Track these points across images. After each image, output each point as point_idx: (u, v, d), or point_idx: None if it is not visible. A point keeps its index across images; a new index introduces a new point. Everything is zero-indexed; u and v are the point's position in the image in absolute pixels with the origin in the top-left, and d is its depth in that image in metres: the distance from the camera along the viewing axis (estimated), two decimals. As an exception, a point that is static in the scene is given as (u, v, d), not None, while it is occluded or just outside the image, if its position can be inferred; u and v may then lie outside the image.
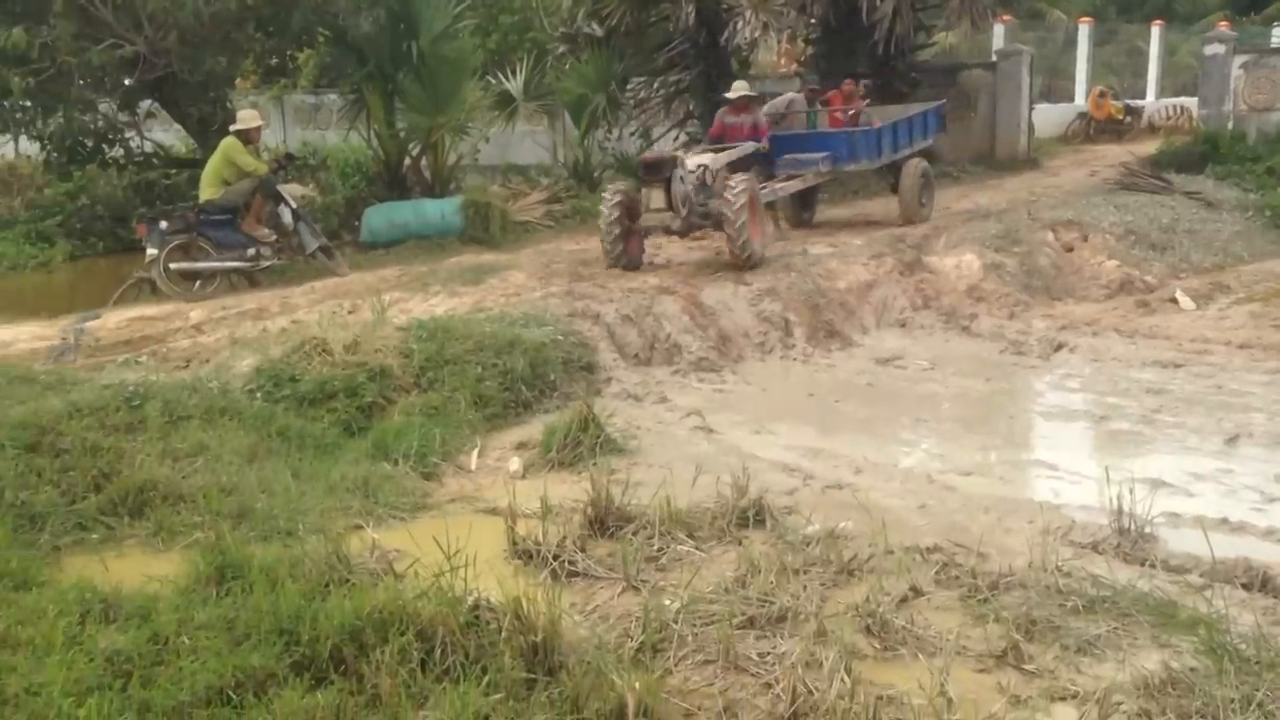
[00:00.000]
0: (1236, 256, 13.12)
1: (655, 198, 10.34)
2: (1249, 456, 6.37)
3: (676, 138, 18.14)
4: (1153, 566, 4.70)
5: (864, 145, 12.82)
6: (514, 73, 16.57)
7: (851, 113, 13.76)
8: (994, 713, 3.59)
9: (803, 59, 18.62)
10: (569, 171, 15.69)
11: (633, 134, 17.88)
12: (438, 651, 3.75)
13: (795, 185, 12.32)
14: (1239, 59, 18.23)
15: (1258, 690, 3.57)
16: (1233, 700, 3.54)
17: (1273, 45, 25.35)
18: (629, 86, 17.23)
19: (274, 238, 10.87)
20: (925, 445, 6.93)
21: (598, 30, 16.13)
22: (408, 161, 14.30)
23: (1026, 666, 3.91)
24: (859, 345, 9.57)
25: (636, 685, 3.51)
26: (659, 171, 10.38)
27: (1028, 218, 12.90)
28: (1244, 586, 4.48)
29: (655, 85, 17.66)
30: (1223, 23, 27.96)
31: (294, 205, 10.92)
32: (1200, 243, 13.18)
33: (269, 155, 11.99)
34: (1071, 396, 8.10)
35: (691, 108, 17.65)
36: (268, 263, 10.89)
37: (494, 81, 16.45)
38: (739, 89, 12.07)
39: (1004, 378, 8.50)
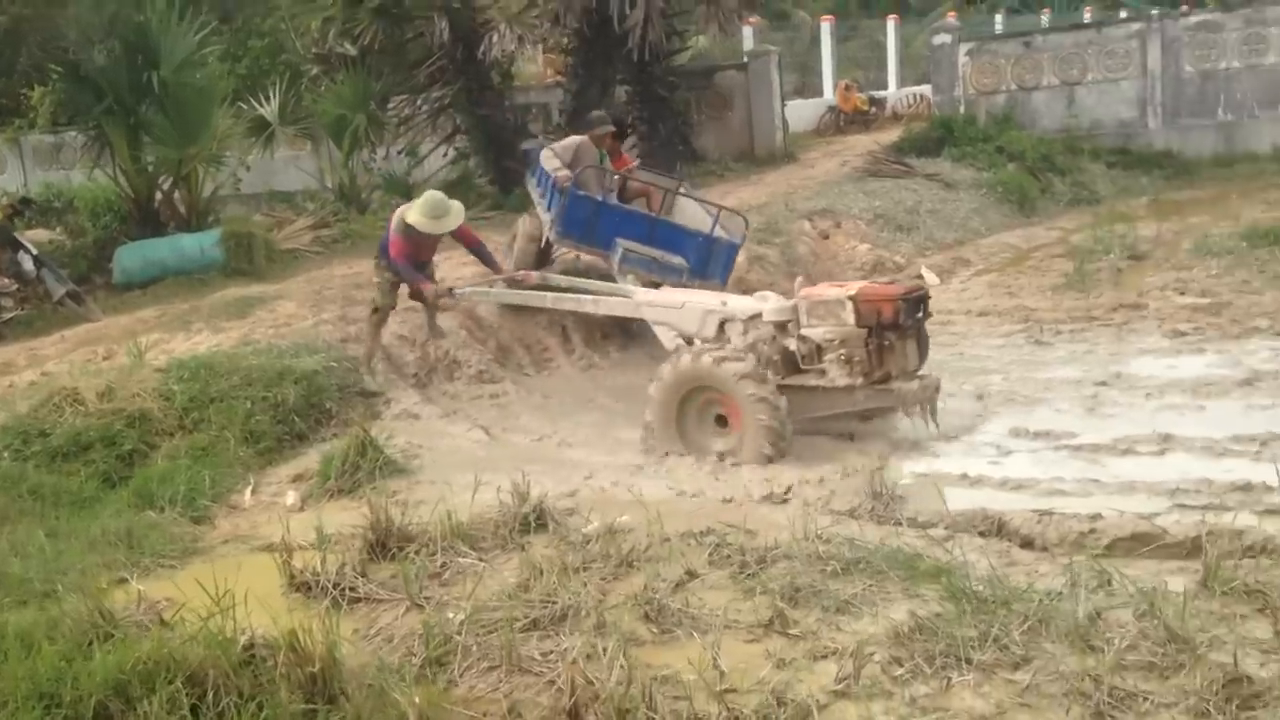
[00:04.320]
0: (975, 231, 14.21)
1: None
2: (988, 414, 6.94)
3: (446, 154, 18.11)
4: (901, 525, 5.07)
5: (722, 257, 8.88)
6: (268, 98, 16.09)
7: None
8: (762, 678, 3.80)
9: (563, 70, 18.85)
10: (336, 195, 15.35)
11: (400, 152, 17.69)
12: (210, 695, 3.66)
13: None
14: (964, 47, 19.69)
15: (993, 626, 3.92)
16: (972, 638, 3.87)
17: (996, 32, 27.53)
18: (390, 105, 17.03)
19: (15, 287, 10.21)
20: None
21: (351, 49, 15.86)
22: (160, 196, 13.65)
23: (791, 631, 4.15)
24: (639, 348, 9.80)
25: (417, 700, 3.53)
26: None
27: (786, 209, 13.53)
28: (981, 534, 4.90)
29: (419, 102, 17.54)
30: (951, 14, 30.06)
31: (34, 252, 10.28)
32: (942, 221, 14.20)
33: (5, 200, 11.25)
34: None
35: (459, 123, 17.65)
36: (10, 315, 10.21)
37: (245, 108, 15.91)
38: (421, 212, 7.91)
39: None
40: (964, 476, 5.69)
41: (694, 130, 19.91)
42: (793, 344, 6.60)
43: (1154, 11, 20.92)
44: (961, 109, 19.40)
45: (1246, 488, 5.04)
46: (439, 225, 7.76)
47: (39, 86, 16.85)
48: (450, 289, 8.34)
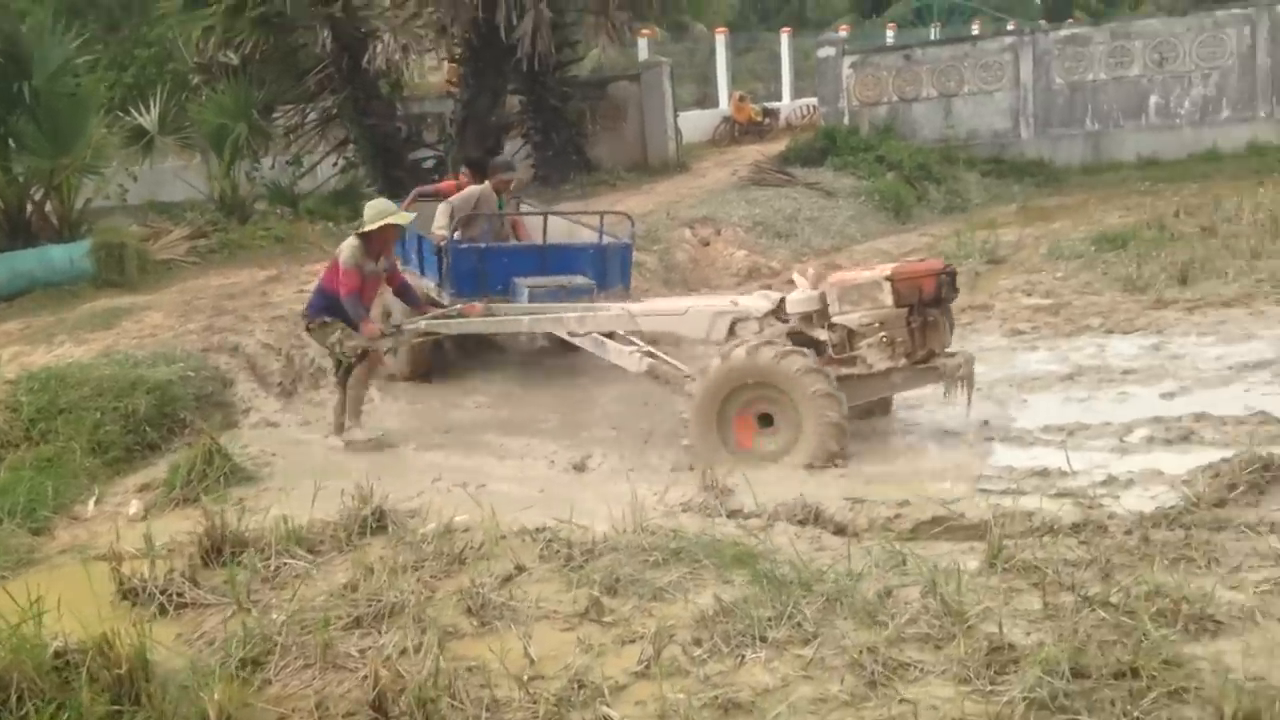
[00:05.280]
0: (851, 238, 14.61)
1: None
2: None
3: (335, 163, 18.03)
4: (728, 516, 5.27)
5: (618, 261, 8.93)
6: (149, 107, 15.85)
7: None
8: (569, 663, 3.95)
9: (454, 79, 18.91)
10: (217, 205, 15.18)
11: (288, 163, 17.56)
12: (14, 699, 3.69)
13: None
14: (848, 60, 20.24)
15: (789, 606, 4.12)
16: (769, 618, 4.07)
17: (888, 44, 28.28)
18: (277, 114, 16.90)
19: None
20: (554, 440, 7.31)
21: (233, 58, 15.72)
22: (30, 207, 13.37)
23: (605, 619, 4.31)
24: (510, 352, 9.91)
25: (217, 697, 3.61)
26: None
27: (667, 218, 13.78)
28: (800, 522, 5.12)
29: (306, 111, 17.44)
30: (844, 26, 30.84)
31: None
32: (820, 228, 14.58)
33: None
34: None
35: (349, 134, 17.59)
36: None
37: (126, 117, 15.66)
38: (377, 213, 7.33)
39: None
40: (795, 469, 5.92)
41: (588, 140, 20.11)
42: (821, 334, 6.32)
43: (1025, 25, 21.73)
44: (846, 120, 19.94)
45: (1044, 473, 5.35)
46: (401, 216, 7.44)
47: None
48: (397, 325, 7.70)
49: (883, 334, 6.08)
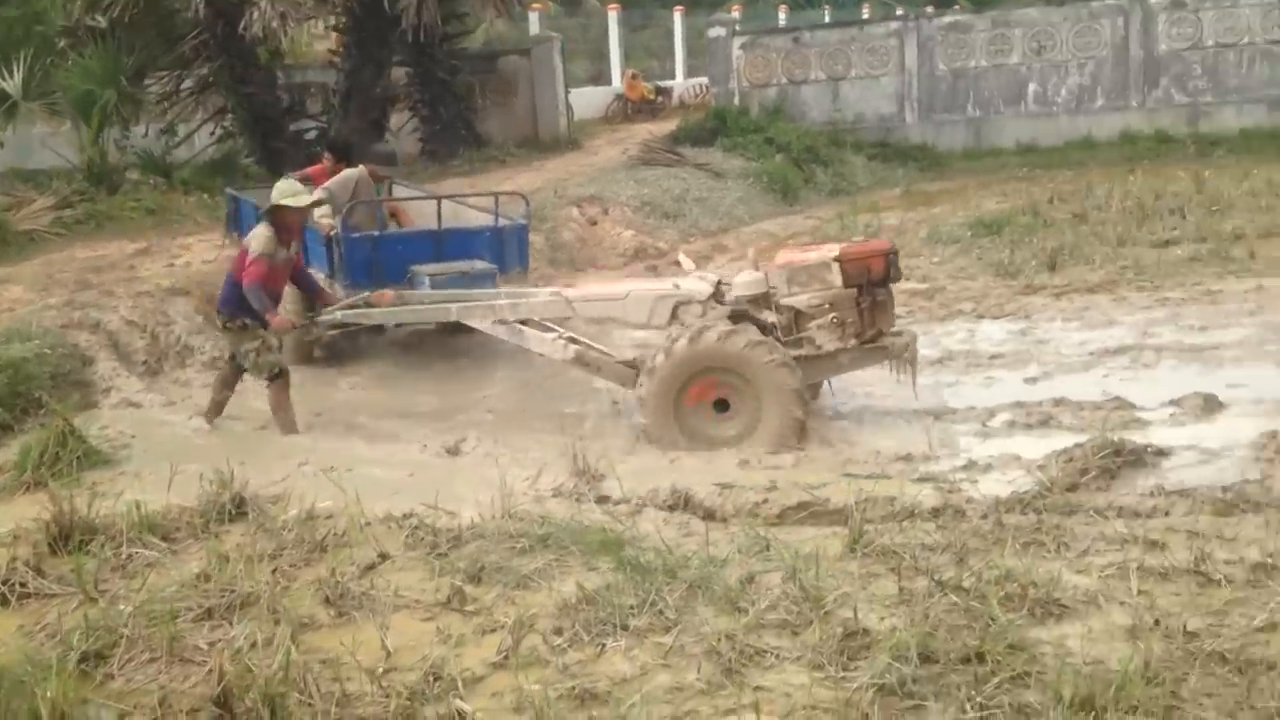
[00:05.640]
0: (739, 219, 14.72)
1: None
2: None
3: (213, 132, 17.39)
4: (597, 503, 5.25)
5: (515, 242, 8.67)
6: (13, 72, 15.04)
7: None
8: (426, 655, 3.88)
9: (338, 49, 18.39)
10: (84, 174, 14.51)
11: (162, 131, 16.87)
12: None
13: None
14: (738, 40, 20.32)
15: (652, 594, 4.12)
16: (631, 605, 4.06)
17: (780, 25, 28.49)
18: (148, 81, 16.20)
19: None
20: (429, 423, 7.19)
21: (101, 22, 15.00)
22: (-122, 174, 12.61)
23: (467, 608, 4.24)
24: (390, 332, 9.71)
25: (50, 694, 3.44)
26: None
27: (554, 196, 13.66)
28: (670, 508, 5.13)
29: (181, 79, 16.77)
30: (736, 7, 30.96)
31: None
32: (708, 209, 14.64)
33: None
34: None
35: (226, 103, 16.98)
36: None
37: (-12, 82, 14.83)
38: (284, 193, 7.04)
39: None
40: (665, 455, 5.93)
41: (478, 115, 19.82)
42: (769, 316, 6.28)
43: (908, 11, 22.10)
44: (736, 100, 20.03)
45: (908, 458, 5.46)
46: (305, 198, 7.03)
47: None
48: (311, 317, 7.21)
49: (833, 315, 6.11)
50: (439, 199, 8.80)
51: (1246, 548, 4.08)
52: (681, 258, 12.23)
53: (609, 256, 12.34)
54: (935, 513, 4.74)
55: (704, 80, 26.59)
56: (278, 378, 6.89)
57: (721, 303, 6.44)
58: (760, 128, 18.57)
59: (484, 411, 7.28)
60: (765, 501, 4.99)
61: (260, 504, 5.38)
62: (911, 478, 5.20)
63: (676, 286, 6.64)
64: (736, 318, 6.26)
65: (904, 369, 6.28)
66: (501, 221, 8.58)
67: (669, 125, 21.16)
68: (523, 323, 6.92)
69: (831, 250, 6.27)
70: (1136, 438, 5.32)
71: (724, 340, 5.96)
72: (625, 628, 3.95)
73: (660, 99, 25.50)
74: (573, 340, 6.85)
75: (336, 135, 13.29)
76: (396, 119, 18.42)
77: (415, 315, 7.51)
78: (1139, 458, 5.07)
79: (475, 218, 8.87)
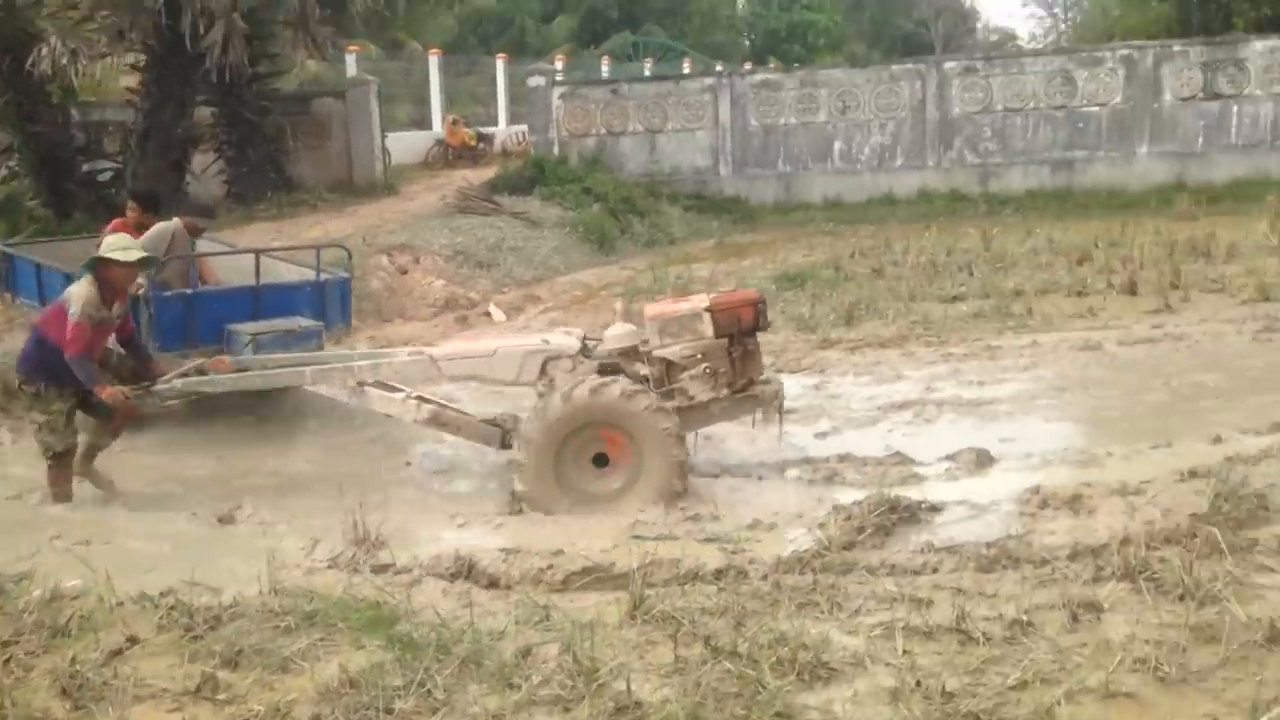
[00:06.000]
0: (554, 269, 14.70)
1: None
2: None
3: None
4: (374, 572, 5.02)
5: (337, 297, 8.41)
6: None
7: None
8: (169, 752, 3.59)
9: (136, 88, 17.57)
10: None
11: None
12: None
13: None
14: (558, 90, 20.47)
15: (421, 673, 3.93)
16: (399, 687, 3.86)
17: (603, 77, 28.87)
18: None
19: None
20: (203, 489, 6.78)
21: None
22: None
23: (219, 696, 3.95)
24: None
25: None
26: None
27: (364, 244, 13.33)
28: (452, 576, 4.95)
29: (-39, 115, 15.70)
30: (560, 56, 31.25)
31: None
32: (523, 259, 14.57)
33: None
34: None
35: (12, 142, 15.98)
36: None
37: None
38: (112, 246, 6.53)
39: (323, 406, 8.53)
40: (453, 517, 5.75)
41: (288, 158, 19.29)
42: (641, 368, 6.19)
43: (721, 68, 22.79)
44: (556, 150, 20.13)
45: (695, 518, 5.45)
46: (135, 253, 6.43)
47: None
48: (147, 385, 6.54)
49: (705, 365, 6.08)
50: (257, 253, 8.38)
51: (1005, 604, 4.20)
52: (492, 309, 12.19)
53: (418, 307, 12.09)
54: (718, 574, 4.71)
55: (525, 128, 26.70)
56: (60, 456, 6.34)
57: (591, 357, 6.38)
58: (578, 177, 18.69)
59: (266, 475, 6.92)
60: (550, 568, 4.87)
61: (1, 583, 4.93)
62: (698, 538, 5.18)
63: (546, 342, 6.55)
64: (607, 371, 6.22)
65: (771, 417, 6.36)
66: (323, 276, 8.26)
67: (490, 172, 21.07)
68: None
69: (702, 300, 6.30)
70: (913, 493, 5.45)
71: (600, 392, 5.87)
72: (390, 711, 3.74)
73: (482, 145, 25.39)
74: (423, 400, 6.62)
75: (143, 184, 12.55)
76: (200, 160, 17.70)
77: (266, 381, 6.98)
78: (913, 514, 5.18)
79: (293, 272, 8.52)
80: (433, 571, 4.98)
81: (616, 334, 6.40)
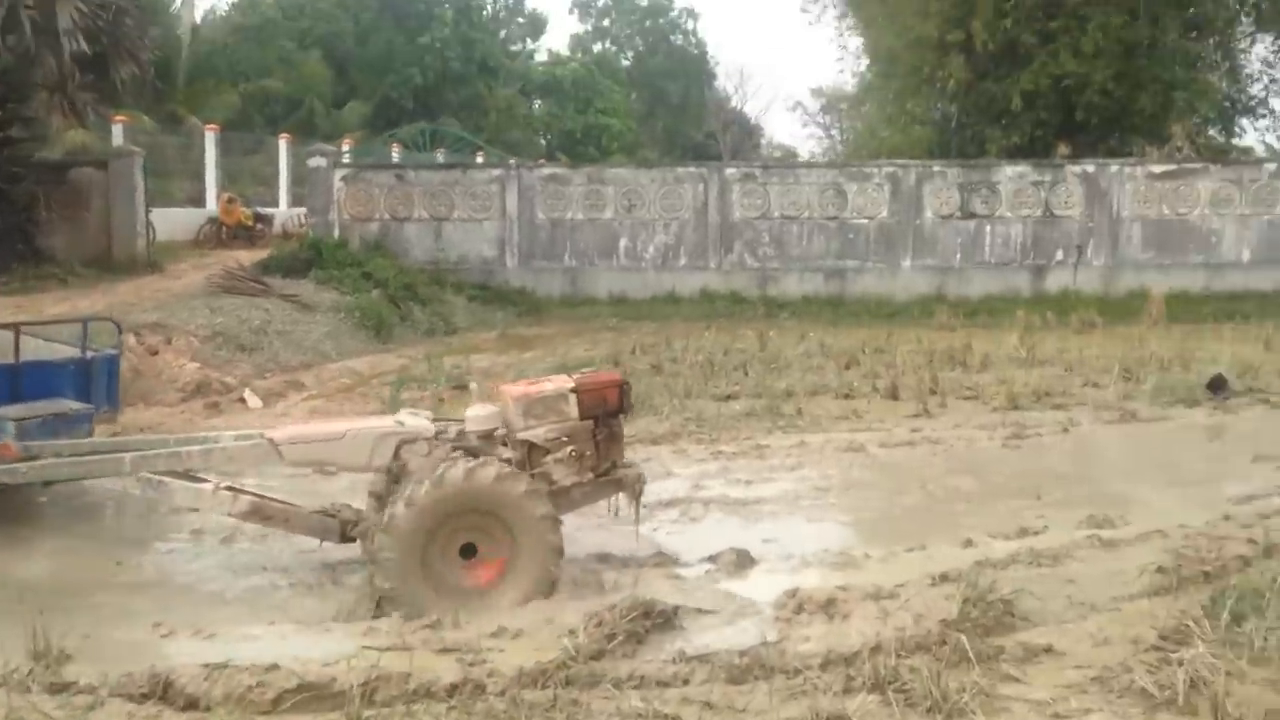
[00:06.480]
0: (325, 355, 14.01)
1: None
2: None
3: None
4: (51, 693, 4.32)
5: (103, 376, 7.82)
6: None
7: None
8: None
9: None
10: None
11: None
12: None
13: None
14: (340, 173, 19.93)
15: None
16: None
17: (394, 162, 28.38)
18: None
19: None
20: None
21: None
22: None
23: None
24: None
25: None
26: None
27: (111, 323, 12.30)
28: (144, 696, 4.31)
29: None
30: (349, 140, 30.62)
31: None
32: (291, 343, 13.82)
33: None
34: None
35: None
36: None
37: None
38: None
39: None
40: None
41: (40, 228, 18.08)
42: (504, 451, 5.76)
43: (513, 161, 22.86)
44: (336, 232, 19.52)
45: (434, 625, 5.00)
46: None
47: None
48: None
49: (570, 448, 5.77)
50: (17, 326, 7.53)
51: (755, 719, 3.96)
52: (248, 394, 11.39)
53: (167, 390, 11.17)
54: (452, 690, 4.29)
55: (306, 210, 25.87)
56: None
57: (447, 440, 5.91)
58: (359, 262, 18.13)
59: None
60: (259, 685, 4.30)
61: None
62: (435, 648, 4.73)
63: (400, 424, 6.03)
64: (469, 454, 5.74)
65: (630, 503, 6.09)
66: (89, 353, 7.61)
67: (266, 253, 20.21)
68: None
69: (567, 381, 5.99)
70: (671, 597, 5.20)
71: (474, 476, 5.39)
72: None
73: (260, 226, 24.42)
74: (236, 491, 5.97)
75: None
76: (-63, 226, 16.20)
77: (75, 471, 6.20)
78: (668, 620, 4.92)
79: (53, 348, 7.75)
80: (120, 691, 4.32)
81: (479, 415, 6.02)
